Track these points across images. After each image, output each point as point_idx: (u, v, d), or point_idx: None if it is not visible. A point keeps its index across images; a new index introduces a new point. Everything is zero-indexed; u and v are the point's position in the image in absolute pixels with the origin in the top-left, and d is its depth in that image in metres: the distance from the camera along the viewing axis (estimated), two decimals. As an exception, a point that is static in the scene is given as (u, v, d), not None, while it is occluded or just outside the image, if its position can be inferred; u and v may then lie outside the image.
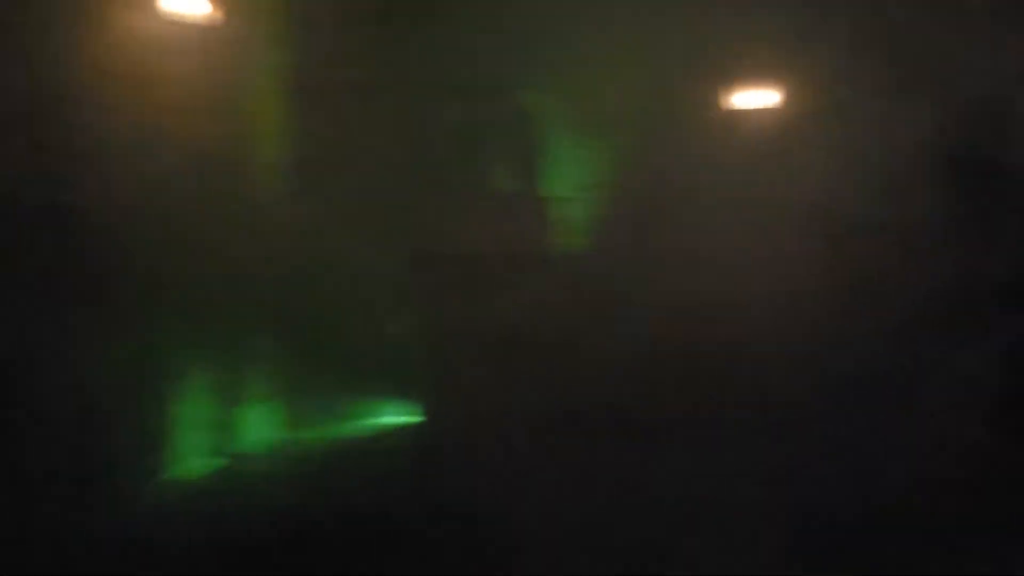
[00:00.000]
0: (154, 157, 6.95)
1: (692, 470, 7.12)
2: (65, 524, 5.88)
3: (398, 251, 8.77)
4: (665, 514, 6.62)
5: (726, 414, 7.83)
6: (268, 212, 8.65)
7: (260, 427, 8.64)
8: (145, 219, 6.78)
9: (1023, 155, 8.13)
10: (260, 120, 8.63)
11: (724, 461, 7.22)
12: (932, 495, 6.55)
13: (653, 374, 8.16)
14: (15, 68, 5.55)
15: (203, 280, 7.57)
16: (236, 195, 8.28)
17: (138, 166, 6.79)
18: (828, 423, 7.47)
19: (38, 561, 5.60)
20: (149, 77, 6.97)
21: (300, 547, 6.33)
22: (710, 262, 8.33)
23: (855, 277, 8.11)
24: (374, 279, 8.67)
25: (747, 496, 6.80)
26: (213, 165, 7.78)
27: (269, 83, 8.64)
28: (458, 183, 9.22)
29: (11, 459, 5.71)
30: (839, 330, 7.99)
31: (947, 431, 7.24)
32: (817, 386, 7.69)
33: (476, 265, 8.81)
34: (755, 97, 8.95)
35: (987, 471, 6.82)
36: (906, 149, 8.16)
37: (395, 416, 9.22)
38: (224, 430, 8.18)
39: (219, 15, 7.66)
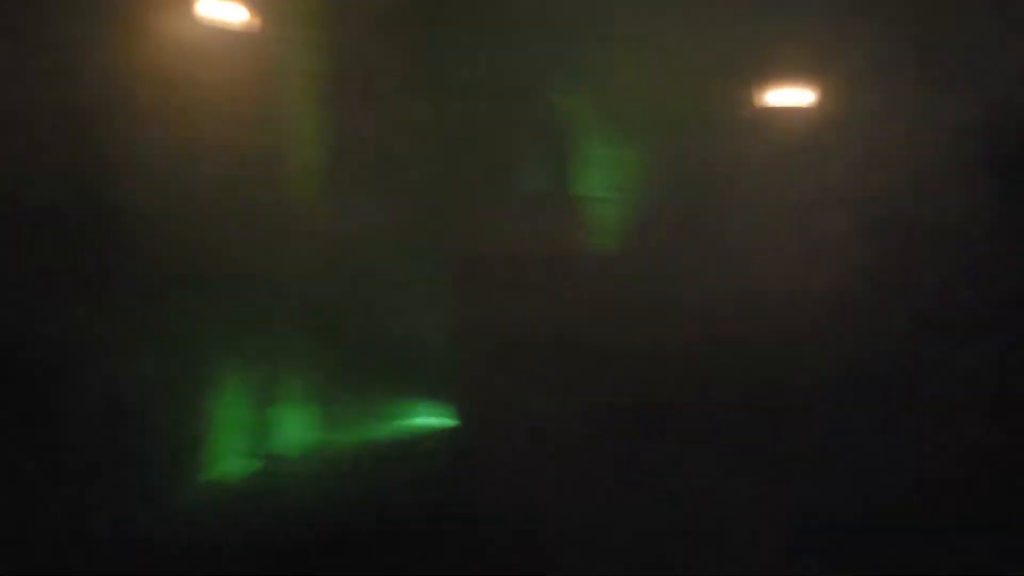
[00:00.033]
0: (193, 162, 7.03)
1: (726, 471, 7.15)
2: (103, 524, 5.97)
3: (433, 253, 8.81)
4: (697, 514, 6.63)
5: (760, 414, 7.80)
6: (304, 215, 8.75)
7: (295, 429, 8.71)
8: (184, 222, 6.85)
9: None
10: (296, 124, 8.71)
11: (758, 461, 7.23)
12: (971, 495, 6.51)
13: (688, 375, 8.13)
14: (56, 75, 5.67)
15: (239, 283, 7.65)
16: (273, 198, 8.39)
17: (177, 171, 6.85)
18: (865, 422, 7.41)
19: (75, 561, 5.68)
20: (188, 83, 7.06)
21: (334, 548, 6.39)
22: (743, 262, 8.30)
23: (890, 275, 8.03)
24: (408, 281, 8.73)
25: (779, 495, 6.75)
26: (251, 169, 7.87)
27: (305, 87, 8.74)
28: (491, 185, 9.25)
29: (51, 459, 5.81)
30: (875, 329, 7.92)
31: (979, 430, 7.16)
32: (852, 385, 7.61)
33: (510, 266, 8.83)
34: (788, 96, 8.89)
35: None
36: (940, 146, 8.05)
37: (429, 418, 9.27)
38: (260, 432, 8.25)
39: (256, 21, 7.74)
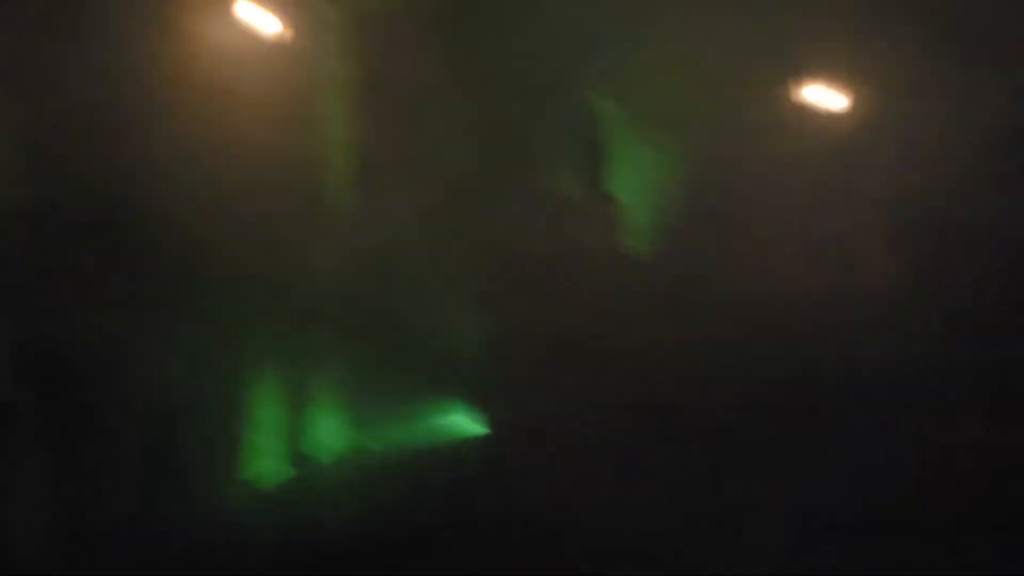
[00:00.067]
0: (228, 167, 7.11)
1: (764, 473, 7.12)
2: (138, 524, 6.05)
3: (465, 255, 8.83)
4: (733, 516, 6.61)
5: (795, 417, 7.74)
6: (338, 218, 8.82)
7: (329, 432, 8.78)
8: (220, 226, 6.94)
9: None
10: (329, 128, 8.78)
11: (794, 463, 7.19)
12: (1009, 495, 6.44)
13: (722, 377, 8.08)
14: (101, 82, 5.77)
15: (274, 286, 7.70)
16: (307, 202, 8.45)
17: (213, 175, 6.93)
18: (898, 424, 7.34)
19: (117, 560, 5.80)
20: (225, 89, 7.14)
21: (368, 550, 6.45)
22: (776, 263, 8.23)
23: (924, 278, 7.93)
24: (441, 284, 8.76)
25: (816, 497, 6.71)
26: (285, 173, 7.92)
27: (338, 92, 8.81)
28: (524, 187, 9.24)
29: (92, 461, 5.88)
30: (909, 331, 7.83)
31: (1017, 431, 7.06)
32: (886, 387, 7.53)
33: (542, 268, 8.82)
34: (821, 97, 8.81)
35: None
36: (975, 148, 7.94)
37: (462, 421, 9.28)
38: (294, 435, 8.25)
39: (291, 28, 7.84)
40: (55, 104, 5.54)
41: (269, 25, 7.62)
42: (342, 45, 8.64)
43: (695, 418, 7.89)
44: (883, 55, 8.26)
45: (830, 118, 8.74)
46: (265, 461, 7.84)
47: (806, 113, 8.82)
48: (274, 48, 7.69)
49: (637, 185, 9.23)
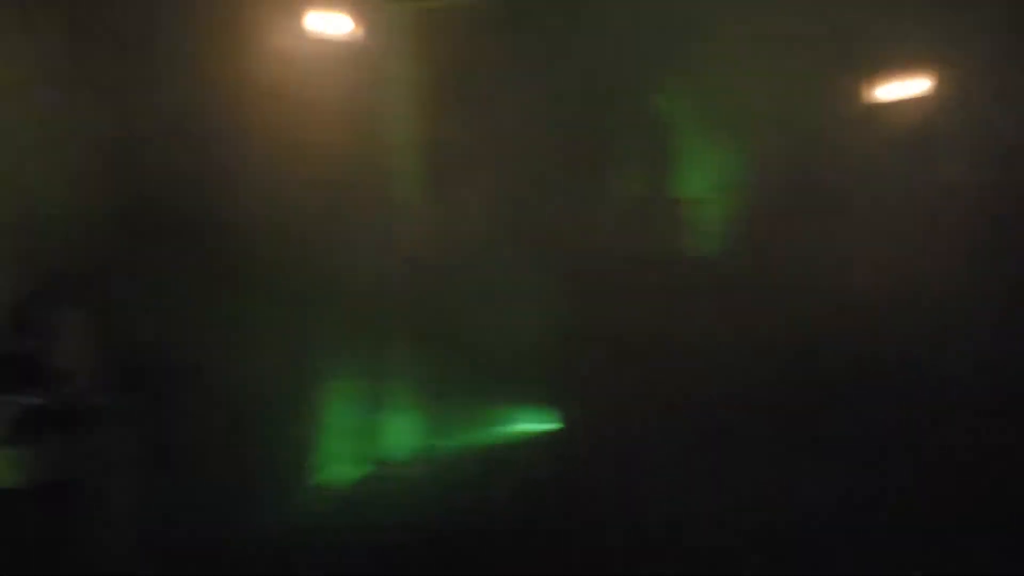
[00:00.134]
0: (302, 171, 7.08)
1: (840, 474, 6.95)
2: (216, 527, 6.01)
3: (537, 257, 8.77)
4: (809, 515, 6.49)
5: (874, 417, 7.62)
6: (410, 221, 8.78)
7: (403, 434, 8.76)
8: (295, 230, 6.89)
9: None
10: (398, 131, 8.76)
11: (874, 464, 7.03)
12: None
13: (797, 377, 7.98)
14: (166, 87, 5.74)
15: (348, 289, 7.69)
16: (380, 205, 8.43)
17: (287, 180, 6.91)
18: (989, 424, 7.19)
19: (192, 563, 5.74)
20: (295, 92, 7.12)
21: (443, 553, 6.37)
22: (854, 261, 8.11)
23: (1011, 271, 7.79)
24: (513, 286, 8.69)
25: (899, 498, 6.59)
26: (356, 176, 7.91)
27: (408, 94, 8.77)
28: (593, 187, 9.19)
29: (168, 464, 5.86)
30: (990, 329, 7.69)
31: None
32: (974, 386, 7.39)
33: (614, 269, 8.77)
34: (899, 90, 8.69)
35: None
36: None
37: (536, 422, 9.23)
38: (369, 437, 8.30)
39: (360, 31, 7.78)
40: (136, 110, 5.45)
41: (339, 26, 7.52)
42: (411, 46, 8.59)
43: (768, 418, 7.80)
44: (963, 45, 8.13)
45: (903, 111, 8.64)
46: (340, 464, 7.86)
47: (878, 106, 8.72)
48: (344, 49, 7.62)
49: (711, 185, 9.16)
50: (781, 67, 8.59)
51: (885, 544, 5.91)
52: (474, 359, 8.84)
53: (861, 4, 8.29)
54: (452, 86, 8.73)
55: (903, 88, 8.59)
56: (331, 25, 7.54)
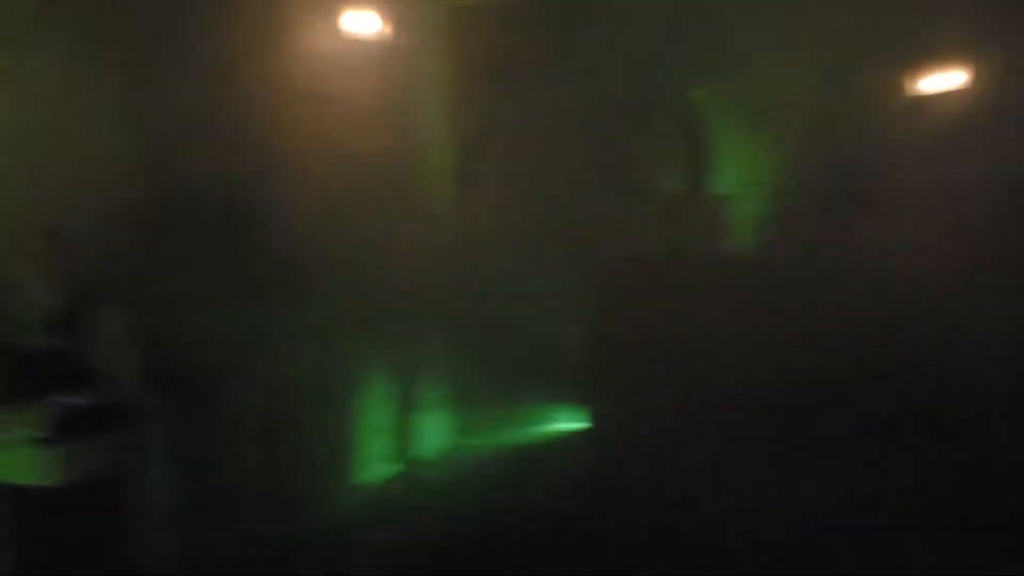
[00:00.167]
0: (334, 170, 7.08)
1: (871, 473, 6.92)
2: (247, 527, 6.03)
3: (570, 256, 8.75)
4: (839, 515, 6.43)
5: (909, 418, 7.54)
6: (443, 221, 8.78)
7: (435, 434, 8.76)
8: (327, 229, 6.90)
9: None
10: (431, 129, 8.76)
11: (906, 464, 6.98)
12: None
13: (834, 377, 7.91)
14: (200, 87, 5.76)
15: (380, 289, 7.67)
16: (409, 205, 8.43)
17: (319, 177, 6.91)
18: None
19: (225, 562, 5.75)
20: (325, 91, 7.11)
21: (476, 552, 6.34)
22: (892, 259, 8.04)
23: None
24: (547, 285, 8.68)
25: (931, 500, 6.51)
26: (387, 175, 7.90)
27: (439, 92, 8.77)
28: (626, 184, 9.17)
29: (206, 465, 5.89)
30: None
31: None
32: (1012, 387, 7.31)
33: (647, 268, 8.74)
34: (930, 84, 8.61)
35: None
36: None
37: (569, 421, 9.22)
38: (402, 437, 8.30)
39: (391, 30, 7.78)
40: (170, 110, 5.48)
41: (371, 25, 7.59)
42: (444, 44, 8.59)
43: (805, 418, 7.72)
44: (1002, 38, 8.05)
45: (941, 105, 8.56)
46: (373, 463, 7.86)
47: (916, 100, 8.65)
48: (377, 48, 7.67)
49: (741, 182, 9.12)
50: (816, 62, 8.54)
51: (920, 545, 5.86)
52: (506, 358, 8.85)
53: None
54: (484, 84, 8.72)
55: (940, 82, 8.51)
56: (364, 24, 7.53)
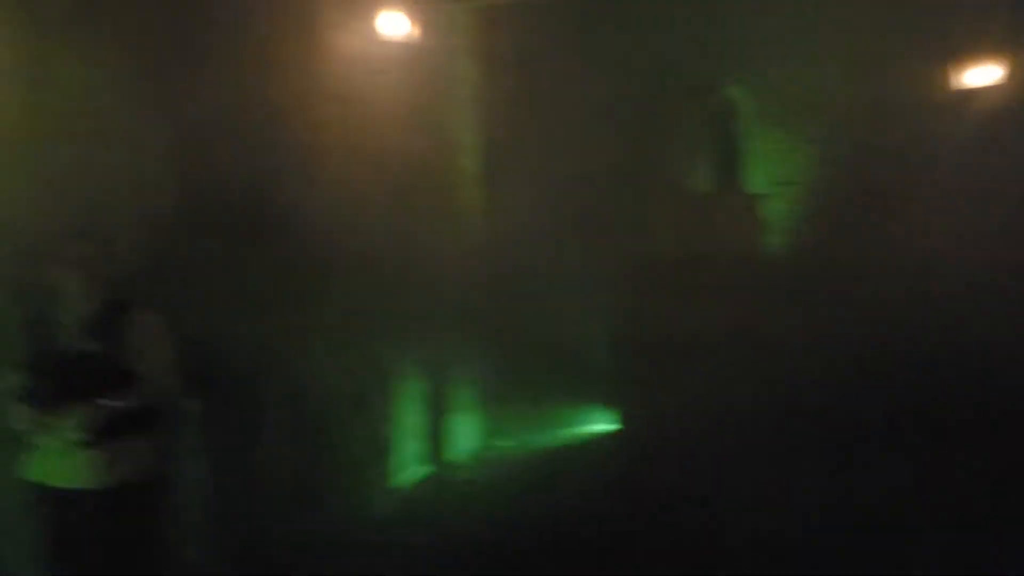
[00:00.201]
0: (366, 169, 7.08)
1: (906, 473, 6.84)
2: (286, 528, 6.04)
3: (604, 256, 8.74)
4: (876, 515, 6.34)
5: (950, 417, 7.49)
6: (476, 223, 8.78)
7: (467, 436, 8.76)
8: (357, 231, 6.90)
9: None
10: (462, 129, 8.76)
11: (947, 466, 6.86)
12: None
13: (872, 376, 7.88)
14: (229, 87, 5.76)
15: (413, 291, 7.68)
16: (440, 206, 8.43)
17: (351, 178, 6.91)
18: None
19: (260, 562, 5.76)
20: (354, 93, 7.12)
21: (511, 550, 6.31)
22: (931, 255, 8.00)
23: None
24: (580, 286, 8.67)
25: (968, 501, 6.43)
26: (418, 176, 7.90)
27: (467, 93, 8.76)
28: (660, 183, 9.15)
29: (241, 466, 5.90)
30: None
31: None
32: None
33: (681, 267, 8.72)
34: (972, 78, 8.55)
35: None
36: None
37: (601, 422, 9.22)
38: (433, 439, 8.29)
39: (422, 31, 7.79)
40: (204, 112, 5.49)
41: (402, 27, 7.60)
42: (475, 44, 8.59)
43: (839, 418, 7.71)
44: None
45: (982, 99, 8.51)
46: (405, 465, 7.85)
47: (955, 95, 8.59)
48: (407, 49, 7.69)
49: (782, 179, 9.09)
50: (850, 58, 8.51)
51: (963, 545, 5.80)
52: (537, 360, 8.84)
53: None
54: (513, 83, 8.72)
55: (976, 76, 8.46)
56: (393, 25, 7.54)
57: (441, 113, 8.44)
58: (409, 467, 7.91)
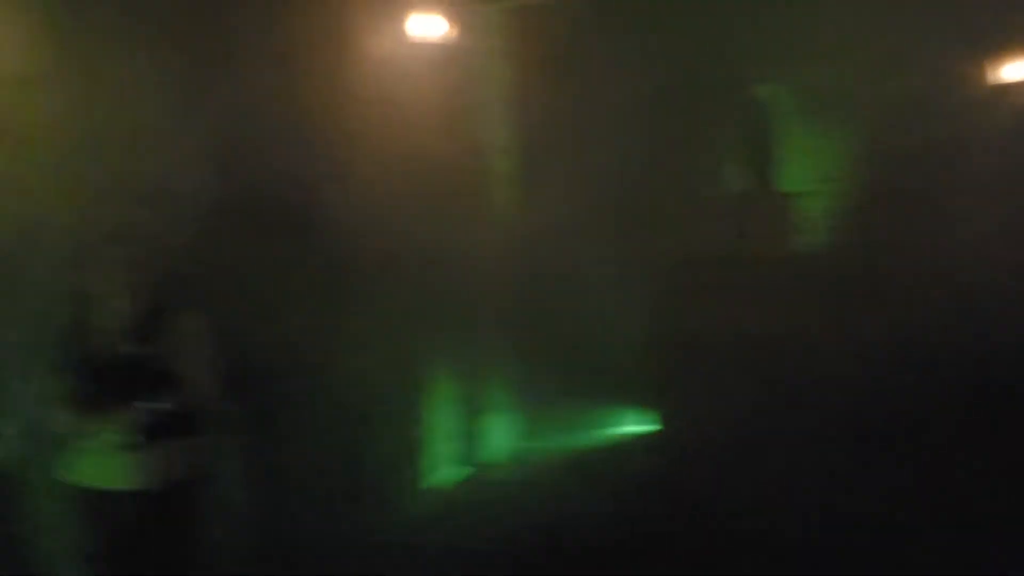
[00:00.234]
0: (403, 170, 7.09)
1: (951, 476, 6.79)
2: (329, 530, 6.06)
3: (637, 256, 8.70)
4: (909, 520, 6.31)
5: (984, 418, 7.40)
6: (505, 221, 8.77)
7: (505, 437, 8.75)
8: (394, 232, 6.92)
9: None
10: (496, 129, 8.76)
11: (984, 466, 6.83)
12: None
13: (904, 377, 7.79)
14: (268, 89, 5.79)
15: (448, 291, 7.70)
16: (474, 205, 8.43)
17: (389, 179, 6.93)
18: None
19: (301, 564, 5.78)
20: (390, 94, 7.14)
21: (546, 557, 6.30)
22: (966, 255, 7.91)
23: None
24: (613, 286, 8.63)
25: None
26: (453, 176, 7.92)
27: (501, 93, 8.75)
28: (696, 183, 9.10)
29: (280, 467, 5.94)
30: None
31: None
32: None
33: (716, 267, 8.68)
34: (1004, 75, 8.45)
35: None
36: None
37: (638, 423, 9.18)
38: (470, 440, 8.30)
39: (456, 31, 7.79)
40: (246, 114, 5.52)
41: (437, 28, 7.63)
42: (508, 44, 8.59)
43: (876, 419, 7.62)
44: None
45: (1020, 95, 8.41)
46: (442, 467, 7.87)
47: (993, 91, 8.50)
48: (442, 50, 7.72)
49: (814, 177, 9.02)
50: (886, 53, 8.43)
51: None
52: (573, 360, 8.81)
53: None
54: (546, 82, 8.69)
55: (1014, 71, 8.36)
56: (428, 26, 7.56)
57: (475, 114, 8.44)
58: (445, 468, 7.91)
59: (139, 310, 4.23)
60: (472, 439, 8.34)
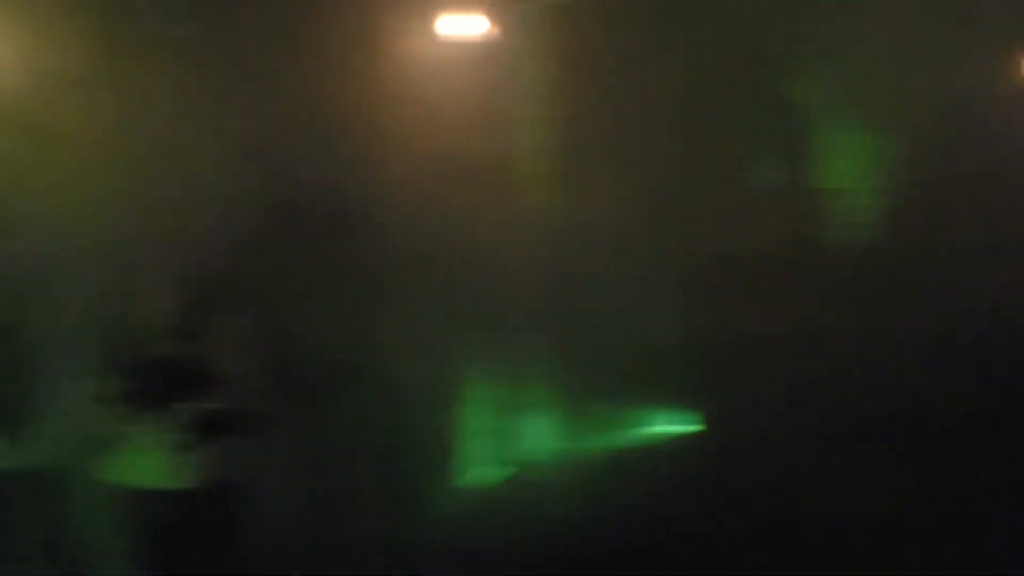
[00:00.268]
0: (439, 169, 7.10)
1: (986, 476, 6.76)
2: (368, 530, 6.09)
3: (675, 254, 8.66)
4: (944, 519, 6.27)
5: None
6: (544, 220, 8.74)
7: (543, 437, 8.71)
8: (432, 231, 6.93)
9: None
10: (532, 128, 8.73)
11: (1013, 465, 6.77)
12: None
13: (946, 376, 7.73)
14: (309, 91, 5.83)
15: (486, 291, 7.68)
16: (512, 204, 8.41)
17: (425, 179, 6.94)
18: None
19: (336, 563, 5.80)
20: (428, 93, 7.14)
21: (584, 556, 6.33)
22: (1003, 254, 7.84)
23: None
24: (652, 284, 8.60)
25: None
26: (491, 175, 7.90)
27: (541, 92, 8.74)
28: (733, 180, 9.05)
29: (324, 467, 5.98)
30: None
31: None
32: None
33: (756, 264, 8.63)
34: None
35: None
36: None
37: (679, 423, 9.12)
38: (509, 440, 8.27)
39: (492, 30, 7.80)
40: (284, 116, 5.54)
41: (472, 27, 7.64)
42: (544, 42, 8.57)
43: (914, 416, 7.59)
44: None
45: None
46: (482, 466, 7.84)
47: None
48: (477, 49, 7.71)
49: (852, 175, 8.95)
50: (922, 50, 8.36)
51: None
52: (613, 359, 8.78)
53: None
54: (582, 80, 8.67)
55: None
56: (465, 25, 7.56)
57: (509, 112, 8.43)
58: (484, 468, 7.90)
59: (185, 310, 4.27)
60: (511, 439, 8.32)
